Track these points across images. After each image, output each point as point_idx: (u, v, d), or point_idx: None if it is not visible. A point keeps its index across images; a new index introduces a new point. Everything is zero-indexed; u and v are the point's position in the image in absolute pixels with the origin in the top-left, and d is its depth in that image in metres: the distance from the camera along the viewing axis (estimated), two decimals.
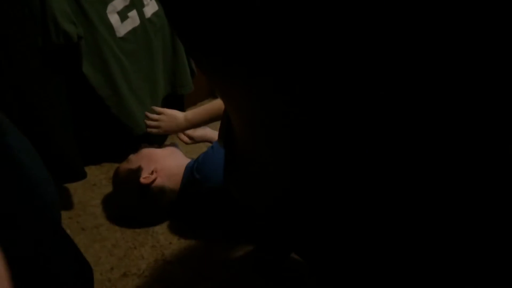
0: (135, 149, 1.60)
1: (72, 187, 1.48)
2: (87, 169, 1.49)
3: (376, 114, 0.40)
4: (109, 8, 1.36)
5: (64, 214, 1.39)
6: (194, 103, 1.92)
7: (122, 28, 1.42)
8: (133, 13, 1.43)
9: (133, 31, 1.44)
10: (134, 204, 1.34)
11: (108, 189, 1.50)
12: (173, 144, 1.47)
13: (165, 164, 1.35)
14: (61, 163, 1.35)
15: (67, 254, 0.65)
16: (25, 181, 0.67)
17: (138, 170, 1.33)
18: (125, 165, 1.37)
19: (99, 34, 1.35)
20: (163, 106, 1.63)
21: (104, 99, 1.43)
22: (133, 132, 1.50)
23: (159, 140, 1.71)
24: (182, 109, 1.77)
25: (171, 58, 1.59)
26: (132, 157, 1.39)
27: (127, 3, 1.40)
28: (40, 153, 1.30)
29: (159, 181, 1.31)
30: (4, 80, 1.25)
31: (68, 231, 1.34)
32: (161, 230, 1.34)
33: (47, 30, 1.21)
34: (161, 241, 1.30)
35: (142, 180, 1.29)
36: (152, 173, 1.31)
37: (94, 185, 1.51)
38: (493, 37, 0.32)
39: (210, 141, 1.46)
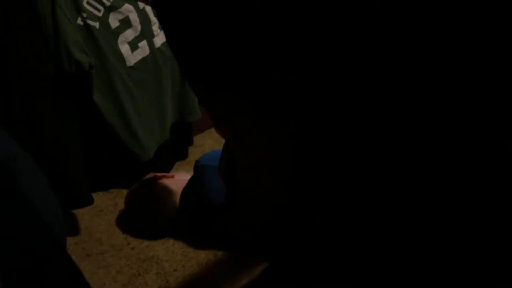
0: (142, 176, 1.62)
1: (79, 213, 1.49)
2: (94, 195, 1.50)
3: (377, 131, 0.40)
4: (120, 38, 1.40)
5: (70, 240, 1.40)
6: (202, 130, 1.95)
7: (132, 58, 1.45)
8: (143, 43, 1.46)
9: (143, 60, 1.47)
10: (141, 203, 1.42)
11: (115, 215, 1.51)
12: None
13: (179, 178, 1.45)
14: (69, 189, 1.37)
15: (69, 279, 0.66)
16: (24, 205, 0.69)
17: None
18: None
19: (109, 63, 1.38)
20: (172, 133, 1.66)
21: (112, 126, 1.46)
22: (140, 159, 1.51)
23: (165, 168, 1.72)
24: (190, 136, 1.80)
25: (179, 86, 1.62)
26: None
27: (137, 33, 1.44)
28: (48, 179, 1.33)
29: (170, 183, 1.41)
30: (16, 106, 1.29)
31: (74, 257, 1.34)
32: (166, 257, 1.34)
33: (59, 58, 1.25)
34: (166, 268, 1.30)
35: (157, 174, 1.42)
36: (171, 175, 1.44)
37: (101, 211, 1.52)
38: (493, 37, 0.32)
39: None
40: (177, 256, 1.34)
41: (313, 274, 0.62)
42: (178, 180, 1.44)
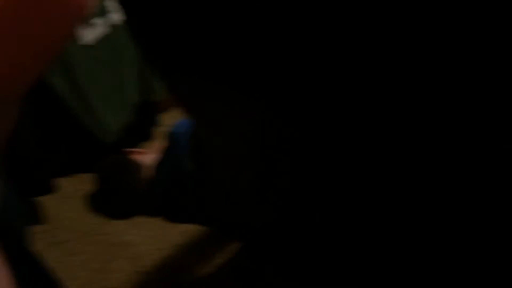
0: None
1: (44, 200, 1.43)
2: (58, 181, 1.44)
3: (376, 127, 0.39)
4: None
5: (37, 229, 1.34)
6: (166, 109, 1.90)
7: (89, 35, 1.38)
8: (101, 20, 1.40)
9: (102, 37, 1.41)
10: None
11: (81, 201, 1.46)
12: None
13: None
14: (30, 177, 1.31)
15: (31, 276, 0.62)
16: None
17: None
18: None
19: None
20: (136, 112, 1.60)
21: (71, 109, 1.40)
22: (103, 142, 1.46)
23: (131, 147, 1.67)
24: (154, 116, 1.74)
25: (142, 64, 1.56)
26: None
27: (94, 9, 1.37)
28: (7, 168, 1.26)
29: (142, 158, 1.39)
30: None
31: (41, 246, 1.29)
32: (139, 240, 1.31)
33: None
34: (141, 252, 1.27)
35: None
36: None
37: (66, 197, 1.47)
38: (493, 37, 0.32)
39: None
40: (151, 239, 1.31)
41: (287, 254, 0.61)
42: (150, 155, 1.41)
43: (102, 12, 1.39)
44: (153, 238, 1.31)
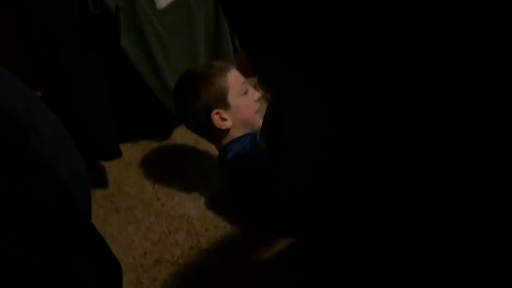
0: (172, 128, 1.54)
1: (107, 165, 1.43)
2: (122, 146, 1.43)
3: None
4: None
5: (98, 193, 1.35)
6: None
7: (163, 0, 1.33)
8: None
9: (174, 3, 1.35)
10: (191, 103, 1.29)
11: (144, 168, 1.44)
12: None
13: (239, 129, 1.29)
14: (97, 140, 1.30)
15: (89, 251, 0.58)
16: (40, 168, 0.60)
17: (226, 103, 1.27)
18: (232, 81, 1.29)
19: (138, 5, 1.27)
20: None
21: (141, 74, 1.36)
22: (170, 110, 1.42)
23: None
24: None
25: (213, 33, 1.50)
26: (243, 84, 1.30)
27: None
28: (74, 129, 1.26)
29: (219, 132, 1.29)
30: (40, 53, 1.20)
31: (101, 211, 1.30)
32: (197, 216, 1.27)
33: None
34: (197, 228, 1.24)
35: (213, 115, 1.26)
36: (225, 120, 1.27)
37: (129, 163, 1.46)
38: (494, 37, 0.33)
39: None
40: (209, 216, 1.27)
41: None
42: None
43: None
44: (212, 214, 1.27)
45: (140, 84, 1.39)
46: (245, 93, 1.30)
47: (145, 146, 1.53)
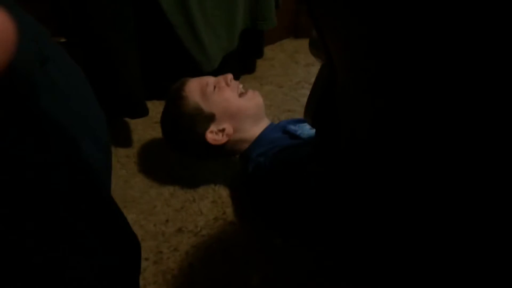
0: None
1: (132, 123, 1.34)
2: (150, 104, 1.34)
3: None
4: None
5: (121, 152, 1.26)
6: (273, 41, 1.70)
7: None
8: None
9: None
10: (187, 143, 1.14)
11: None
12: (259, 97, 1.17)
13: (242, 127, 1.12)
14: (122, 94, 1.20)
15: (105, 226, 0.49)
16: (52, 128, 0.51)
17: (209, 115, 1.10)
18: (197, 92, 1.12)
19: None
20: (240, 41, 1.43)
21: (174, 27, 1.25)
22: (203, 68, 1.31)
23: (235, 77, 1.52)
24: (261, 47, 1.56)
25: None
26: (209, 84, 1.12)
27: None
28: (98, 83, 1.16)
29: (227, 143, 1.11)
30: (66, 2, 1.10)
31: (124, 172, 1.22)
32: (224, 184, 1.18)
33: None
34: (223, 197, 1.14)
35: (208, 136, 1.09)
36: (222, 130, 1.10)
37: (156, 122, 1.36)
38: None
39: None
40: (236, 185, 1.17)
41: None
42: (235, 139, 1.13)
43: None
44: (237, 183, 1.17)
45: (173, 38, 1.29)
46: (215, 88, 1.12)
47: None
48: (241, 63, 1.54)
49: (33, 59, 0.56)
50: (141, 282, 0.96)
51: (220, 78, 1.14)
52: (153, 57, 1.34)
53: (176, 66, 1.38)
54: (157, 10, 1.23)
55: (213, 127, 1.10)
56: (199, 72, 1.34)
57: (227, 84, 1.13)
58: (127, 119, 1.33)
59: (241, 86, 1.16)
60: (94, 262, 0.48)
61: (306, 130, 1.11)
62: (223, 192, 1.16)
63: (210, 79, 1.14)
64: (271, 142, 1.09)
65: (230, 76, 1.15)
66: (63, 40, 1.09)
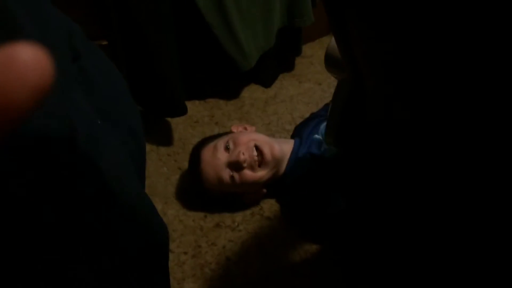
0: (241, 86, 1.44)
1: (173, 122, 1.38)
2: (190, 104, 1.37)
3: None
4: None
5: (163, 151, 1.30)
6: (312, 38, 1.69)
7: None
8: None
9: None
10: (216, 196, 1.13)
11: (210, 127, 1.37)
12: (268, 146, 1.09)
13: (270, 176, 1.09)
14: (162, 94, 1.24)
15: (135, 216, 0.51)
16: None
17: (236, 195, 1.10)
18: (215, 184, 1.08)
19: None
20: (278, 39, 1.44)
21: (212, 27, 1.27)
22: (240, 67, 1.33)
23: (268, 80, 1.53)
24: (299, 45, 1.56)
25: None
26: (224, 177, 1.06)
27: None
28: (140, 81, 1.20)
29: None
30: (109, 3, 1.14)
31: (165, 169, 1.25)
32: None
33: None
34: None
35: (246, 199, 1.11)
36: (261, 191, 1.11)
37: (196, 122, 1.40)
38: None
39: None
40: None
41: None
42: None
43: None
44: None
45: (210, 38, 1.31)
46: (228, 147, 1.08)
47: (213, 105, 1.45)
48: (279, 61, 1.54)
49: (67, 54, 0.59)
50: (180, 275, 0.98)
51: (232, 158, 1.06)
52: (192, 57, 1.37)
53: (214, 65, 1.41)
54: (195, 11, 1.26)
55: (246, 194, 1.10)
56: (236, 71, 1.36)
57: (240, 162, 1.04)
58: (168, 119, 1.37)
59: (255, 154, 1.07)
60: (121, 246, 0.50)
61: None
62: None
63: (221, 161, 1.07)
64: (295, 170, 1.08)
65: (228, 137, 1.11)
66: (105, 43, 1.13)
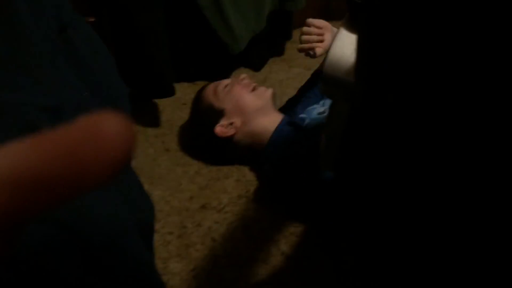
0: (231, 70, 1.44)
1: (161, 104, 1.37)
2: (178, 86, 1.36)
3: None
4: None
5: (150, 132, 1.29)
6: (303, 23, 1.69)
7: None
8: None
9: None
10: (202, 142, 1.21)
11: None
12: (270, 90, 1.20)
13: (250, 120, 1.14)
14: (150, 74, 1.23)
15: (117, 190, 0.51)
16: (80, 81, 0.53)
17: (219, 111, 1.15)
18: (211, 92, 1.19)
19: None
20: (268, 23, 1.43)
21: (202, 8, 1.26)
22: (230, 50, 1.32)
23: (258, 64, 1.52)
24: (289, 29, 1.56)
25: None
26: (220, 85, 1.18)
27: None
28: (128, 61, 1.19)
29: (236, 137, 1.14)
30: None
31: (152, 150, 1.25)
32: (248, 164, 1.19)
33: None
34: (248, 176, 1.16)
35: (217, 129, 1.13)
36: (231, 124, 1.14)
37: (184, 104, 1.39)
38: None
39: None
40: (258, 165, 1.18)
41: None
42: (246, 131, 1.15)
43: None
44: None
45: (200, 19, 1.30)
46: (227, 87, 1.18)
47: (200, 87, 1.44)
48: (269, 45, 1.54)
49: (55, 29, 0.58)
50: (165, 255, 0.98)
51: (234, 78, 1.21)
52: (181, 39, 1.36)
53: (204, 47, 1.40)
54: None
55: (223, 121, 1.14)
56: (226, 53, 1.35)
57: (238, 83, 1.18)
58: (156, 101, 1.36)
59: (254, 84, 1.20)
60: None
61: (313, 115, 1.12)
62: (247, 172, 1.17)
63: (225, 80, 1.21)
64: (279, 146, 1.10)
65: (243, 75, 1.21)
66: (92, 19, 1.12)
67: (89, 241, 0.38)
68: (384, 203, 0.50)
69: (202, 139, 1.19)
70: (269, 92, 1.18)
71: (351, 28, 0.58)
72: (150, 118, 1.33)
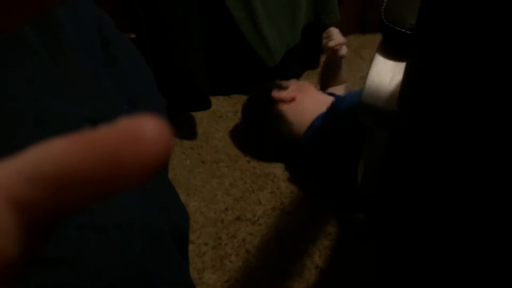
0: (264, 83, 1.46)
1: (198, 116, 1.39)
2: (214, 99, 1.39)
3: None
4: None
5: (186, 144, 1.32)
6: None
7: None
8: None
9: None
10: (256, 120, 1.29)
11: (234, 122, 1.38)
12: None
13: (305, 102, 1.22)
14: (187, 88, 1.26)
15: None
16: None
17: (283, 87, 1.26)
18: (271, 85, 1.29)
19: None
20: (303, 36, 1.44)
21: (237, 22, 1.29)
22: (265, 63, 1.34)
23: (292, 76, 1.53)
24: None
25: None
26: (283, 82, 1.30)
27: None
28: (166, 75, 1.22)
29: (288, 111, 1.21)
30: None
31: (188, 162, 1.27)
32: (283, 177, 1.19)
33: None
34: (282, 189, 1.16)
35: (275, 93, 1.23)
36: (291, 99, 1.23)
37: (220, 116, 1.41)
38: None
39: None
40: (295, 177, 1.18)
41: None
42: (298, 107, 1.22)
43: None
44: (298, 177, 1.18)
45: (236, 34, 1.32)
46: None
47: (237, 100, 1.46)
48: (304, 58, 1.55)
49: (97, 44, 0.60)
50: (200, 266, 0.99)
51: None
52: (217, 52, 1.38)
53: (239, 61, 1.42)
54: (221, 6, 1.27)
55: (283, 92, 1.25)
56: (261, 67, 1.37)
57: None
58: (192, 113, 1.38)
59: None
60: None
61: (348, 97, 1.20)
62: (282, 184, 1.17)
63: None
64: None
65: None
66: (133, 36, 1.16)
67: (126, 245, 0.40)
68: (427, 228, 0.48)
69: (257, 112, 1.28)
70: (329, 100, 1.22)
71: (388, 55, 0.58)
72: (187, 131, 1.36)
